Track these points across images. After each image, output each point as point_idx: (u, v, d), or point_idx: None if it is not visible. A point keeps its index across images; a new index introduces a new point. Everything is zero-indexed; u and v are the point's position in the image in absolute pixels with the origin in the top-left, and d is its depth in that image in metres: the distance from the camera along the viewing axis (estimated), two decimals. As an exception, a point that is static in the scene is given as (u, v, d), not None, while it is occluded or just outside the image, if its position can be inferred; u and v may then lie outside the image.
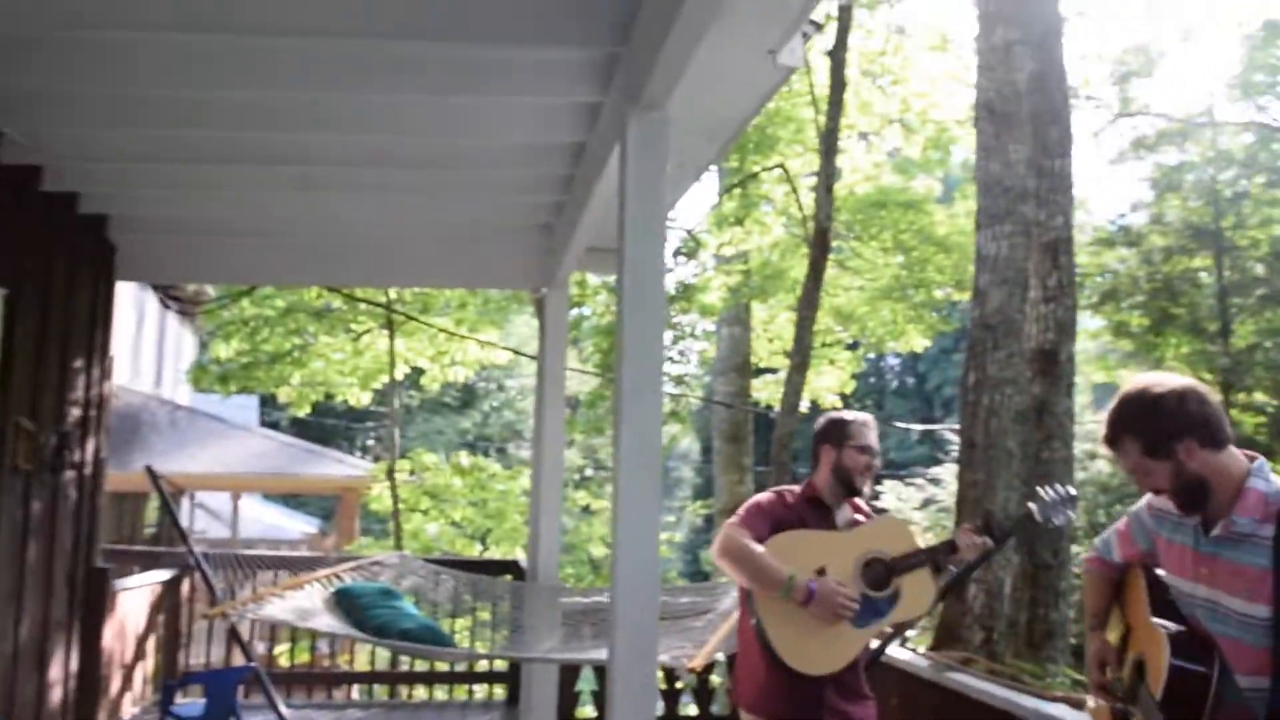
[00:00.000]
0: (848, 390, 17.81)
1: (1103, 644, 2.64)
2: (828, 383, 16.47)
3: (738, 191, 13.11)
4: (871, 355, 19.45)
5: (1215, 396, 2.47)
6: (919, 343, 15.99)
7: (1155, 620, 2.47)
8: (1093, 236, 14.28)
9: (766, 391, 17.30)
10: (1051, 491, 3.29)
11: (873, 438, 3.41)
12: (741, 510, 3.38)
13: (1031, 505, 3.26)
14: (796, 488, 3.50)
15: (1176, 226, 13.01)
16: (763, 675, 3.22)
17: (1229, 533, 2.31)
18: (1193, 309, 12.58)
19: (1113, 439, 2.46)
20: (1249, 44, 14.26)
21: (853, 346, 17.88)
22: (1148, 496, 2.57)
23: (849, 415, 3.49)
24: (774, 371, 16.82)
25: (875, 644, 3.35)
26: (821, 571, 3.17)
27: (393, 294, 13.00)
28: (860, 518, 3.44)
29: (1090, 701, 2.73)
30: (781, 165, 13.22)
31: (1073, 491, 3.35)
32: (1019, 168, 6.14)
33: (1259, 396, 11.88)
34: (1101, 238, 14.28)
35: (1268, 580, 2.23)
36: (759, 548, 3.18)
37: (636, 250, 3.02)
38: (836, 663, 3.16)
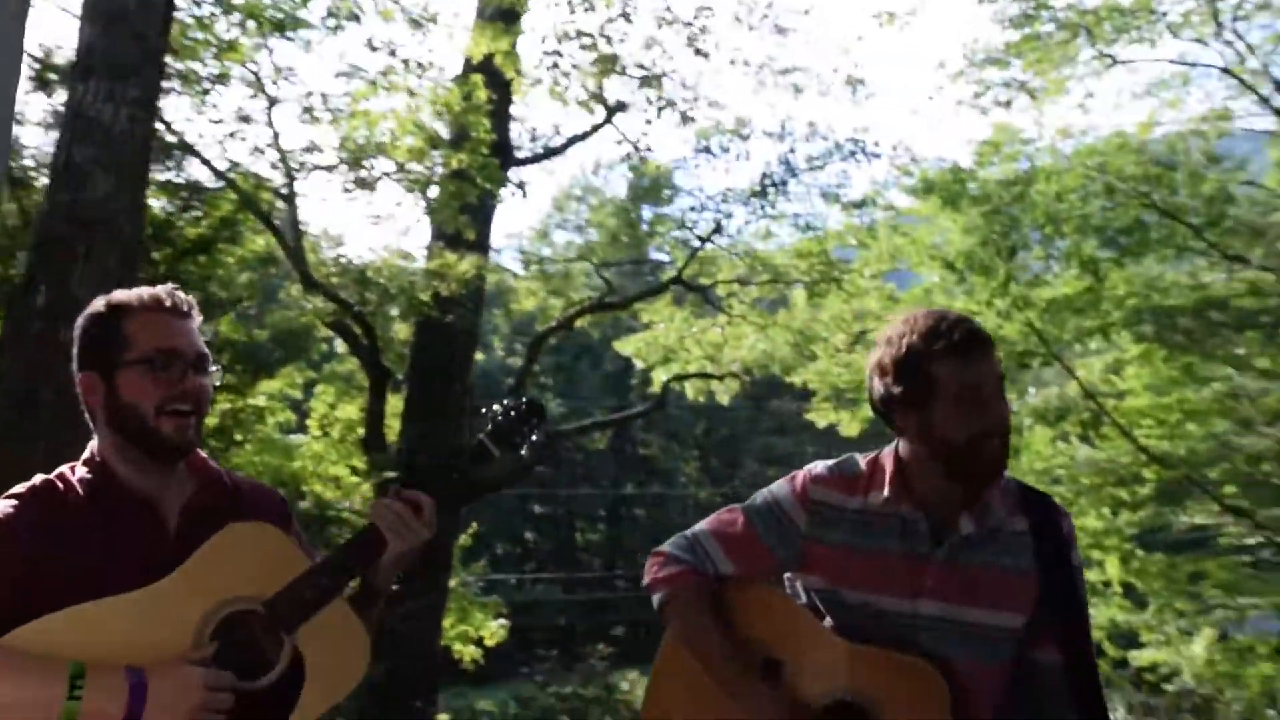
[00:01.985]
0: None
1: (787, 691, 1.90)
2: None
3: None
4: None
5: None
6: None
7: (871, 647, 1.88)
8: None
9: None
10: (506, 407, 1.98)
11: (189, 340, 1.85)
12: None
13: (483, 438, 1.92)
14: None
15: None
16: None
17: (984, 529, 1.90)
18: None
19: (987, 350, 1.89)
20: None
21: None
22: (796, 483, 2.02)
23: (123, 297, 1.90)
24: None
25: None
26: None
27: None
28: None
29: None
30: None
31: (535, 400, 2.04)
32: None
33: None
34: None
35: (1031, 584, 1.89)
36: None
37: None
38: None
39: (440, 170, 9.31)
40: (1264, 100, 14.31)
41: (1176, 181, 13.60)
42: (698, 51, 11.05)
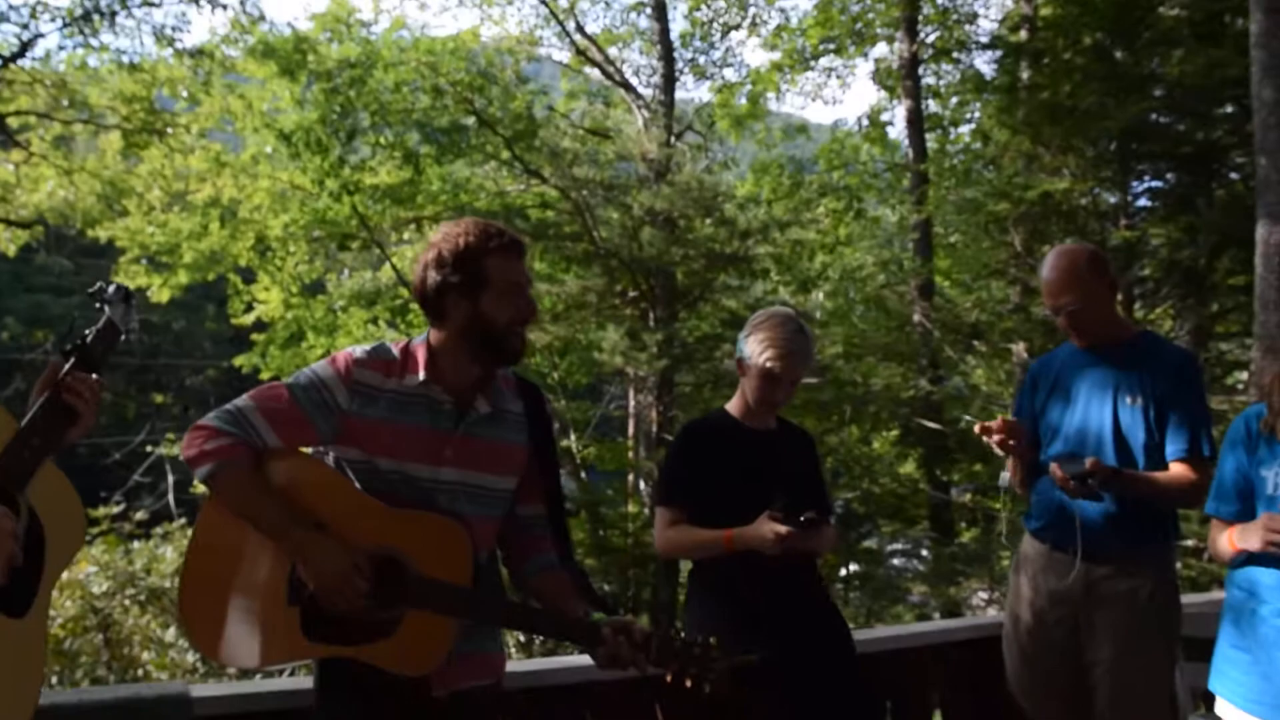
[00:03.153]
0: None
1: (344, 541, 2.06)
2: None
3: None
4: None
5: None
6: None
7: (402, 508, 2.12)
8: None
9: None
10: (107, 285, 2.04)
11: None
12: None
13: (112, 318, 1.95)
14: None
15: None
16: None
17: (496, 409, 2.25)
18: None
19: (524, 254, 2.24)
20: None
21: None
22: (339, 365, 2.19)
23: None
24: None
25: None
26: None
27: None
28: None
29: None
30: None
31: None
32: None
33: None
34: None
35: (523, 454, 2.28)
36: None
37: None
38: None
39: None
40: (566, 34, 16.42)
41: (493, 94, 15.01)
42: None
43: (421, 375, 2.20)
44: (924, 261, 12.05)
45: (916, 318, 11.03)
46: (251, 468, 2.09)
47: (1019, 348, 9.32)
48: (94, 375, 1.86)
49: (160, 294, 13.13)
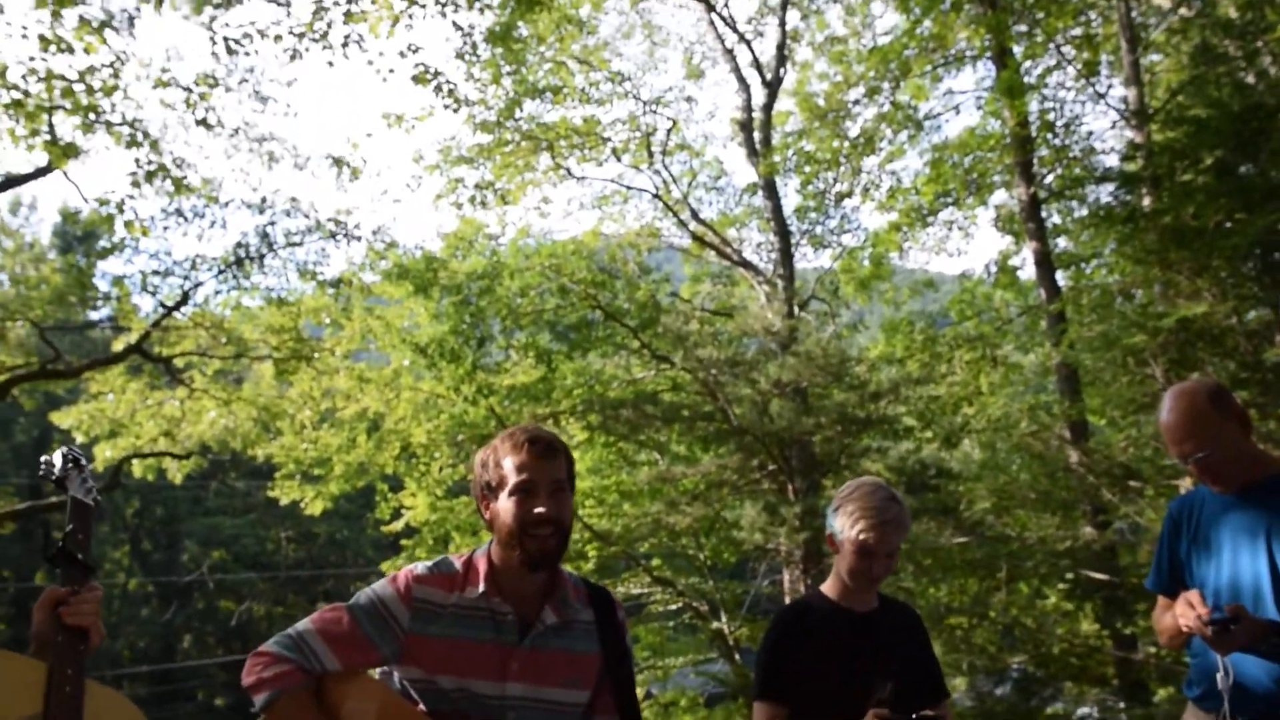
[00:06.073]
0: None
1: None
2: None
3: None
4: None
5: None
6: None
7: None
8: None
9: None
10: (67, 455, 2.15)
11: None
12: None
13: (77, 496, 2.02)
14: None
15: None
16: None
17: (563, 620, 2.18)
18: None
19: (546, 452, 2.17)
20: None
21: None
22: (399, 583, 2.15)
23: None
24: None
25: None
26: None
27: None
28: None
29: None
30: None
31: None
32: None
33: None
34: None
35: (594, 664, 2.20)
36: None
37: None
38: None
39: None
40: (683, 224, 16.95)
41: (617, 287, 15.47)
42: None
43: (481, 587, 2.14)
44: (1071, 403, 11.48)
45: (1072, 461, 10.43)
46: (309, 695, 2.04)
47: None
48: (87, 575, 1.88)
49: (314, 505, 13.67)
